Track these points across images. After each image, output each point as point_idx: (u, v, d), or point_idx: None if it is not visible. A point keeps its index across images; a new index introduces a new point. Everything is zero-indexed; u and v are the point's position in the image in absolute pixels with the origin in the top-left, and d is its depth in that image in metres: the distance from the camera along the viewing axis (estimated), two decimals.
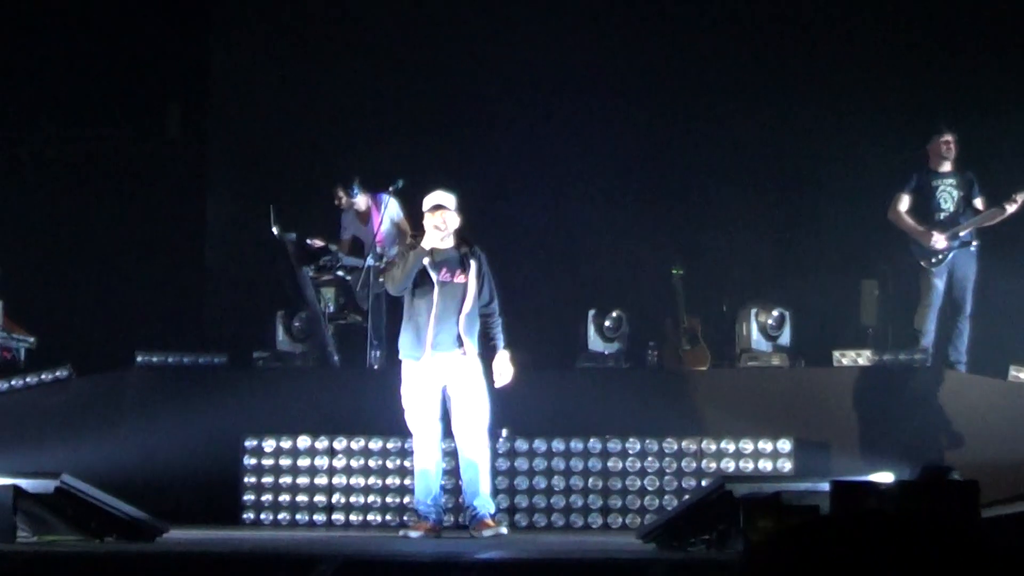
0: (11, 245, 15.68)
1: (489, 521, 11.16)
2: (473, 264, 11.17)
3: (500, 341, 11.31)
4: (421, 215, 11.25)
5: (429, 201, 11.21)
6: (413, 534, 11.02)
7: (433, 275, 11.07)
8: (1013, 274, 14.42)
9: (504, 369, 11.22)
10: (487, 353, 11.27)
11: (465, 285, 11.12)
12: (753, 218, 15.68)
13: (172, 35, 16.95)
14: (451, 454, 11.68)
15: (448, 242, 11.19)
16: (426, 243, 11.13)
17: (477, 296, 11.15)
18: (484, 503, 11.22)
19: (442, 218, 11.13)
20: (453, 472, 11.81)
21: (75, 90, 16.64)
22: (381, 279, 14.10)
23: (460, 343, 11.06)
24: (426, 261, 11.09)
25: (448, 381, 11.11)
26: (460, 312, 11.07)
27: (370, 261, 14.12)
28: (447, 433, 11.25)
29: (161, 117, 17.36)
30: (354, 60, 16.60)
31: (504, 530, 11.35)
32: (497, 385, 11.24)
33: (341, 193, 14.78)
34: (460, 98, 16.31)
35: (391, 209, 14.50)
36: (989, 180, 13.78)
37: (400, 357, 11.22)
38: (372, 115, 16.39)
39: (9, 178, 16.81)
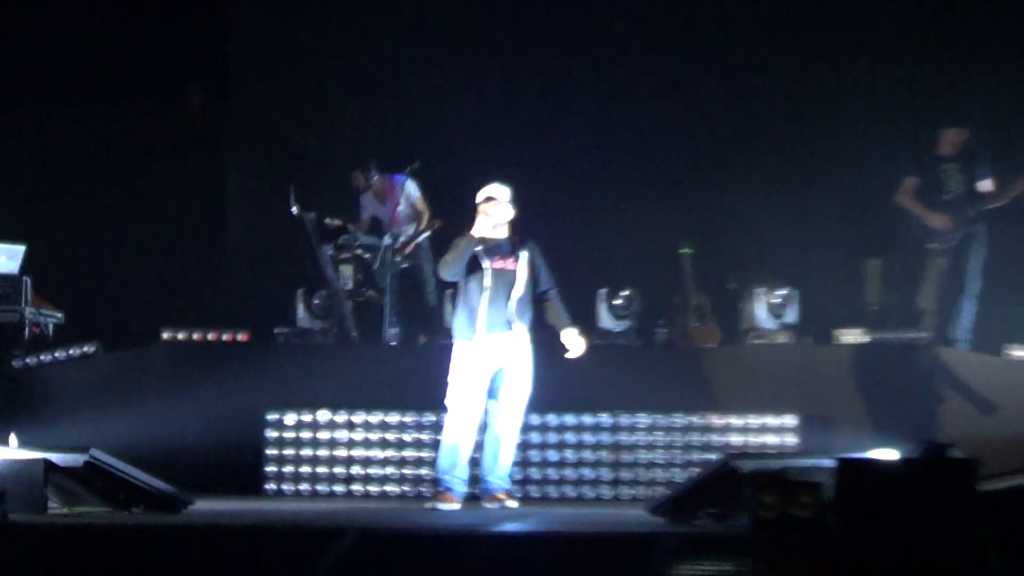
0: (38, 223, 15.74)
1: (501, 495, 11.34)
2: (524, 253, 11.36)
3: (566, 318, 11.50)
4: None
5: (483, 193, 11.38)
6: (442, 506, 11.11)
7: (486, 262, 11.24)
8: (1014, 256, 14.48)
9: (575, 342, 11.40)
10: (544, 336, 11.50)
11: (515, 272, 11.30)
12: (760, 199, 15.67)
13: (192, 14, 16.99)
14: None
15: (502, 232, 11.37)
16: (476, 231, 11.29)
17: (528, 283, 11.33)
18: (501, 478, 11.39)
19: (494, 207, 11.30)
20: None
21: (97, 70, 16.68)
22: (398, 258, 14.22)
23: (510, 326, 11.23)
24: (478, 249, 11.25)
25: (499, 361, 11.24)
26: (510, 297, 11.25)
27: (387, 240, 14.20)
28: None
29: (182, 97, 17.40)
30: (373, 40, 16.59)
31: (515, 504, 11.46)
32: (572, 356, 11.41)
33: (360, 175, 14.85)
34: (474, 80, 16.35)
35: (408, 190, 14.56)
36: (994, 164, 13.82)
37: (454, 338, 11.35)
38: (390, 96, 16.39)
39: (35, 157, 16.88)
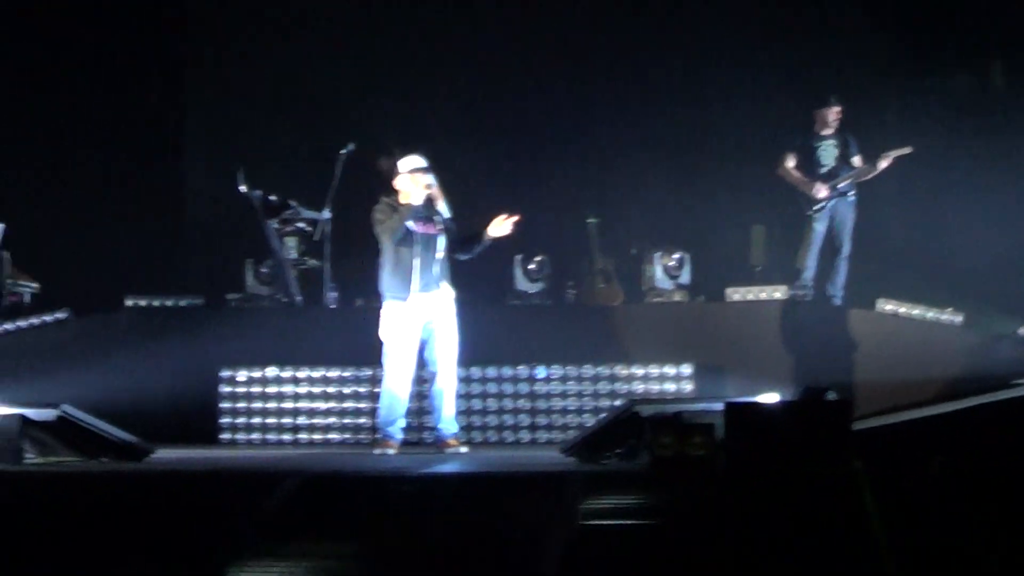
0: (16, 202, 15.59)
1: (451, 440, 11.28)
2: (438, 216, 11.26)
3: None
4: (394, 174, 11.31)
5: (412, 163, 11.26)
6: (390, 451, 11.06)
7: (413, 227, 11.09)
8: (883, 221, 14.59)
9: (501, 225, 11.21)
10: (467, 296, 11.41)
11: (437, 235, 11.19)
12: (658, 173, 15.69)
13: (153, 16, 16.90)
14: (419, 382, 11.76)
15: (421, 198, 11.20)
16: (414, 200, 11.12)
17: (447, 244, 11.21)
18: (449, 424, 11.31)
19: (424, 176, 11.19)
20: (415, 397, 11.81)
21: (68, 67, 16.53)
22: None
23: (438, 285, 11.13)
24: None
25: (429, 318, 11.12)
26: (436, 259, 11.14)
27: (326, 214, 14.10)
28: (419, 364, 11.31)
29: (145, 91, 17.24)
30: (315, 32, 16.44)
31: (465, 449, 11.37)
32: (503, 232, 11.25)
33: (384, 161, 14.69)
34: (408, 66, 16.21)
35: None
36: (866, 141, 13.88)
37: (386, 298, 11.18)
38: (333, 82, 16.25)
39: (13, 144, 16.70)
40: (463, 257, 11.46)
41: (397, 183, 11.31)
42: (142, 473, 9.18)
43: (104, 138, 16.63)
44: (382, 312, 11.22)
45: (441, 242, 11.21)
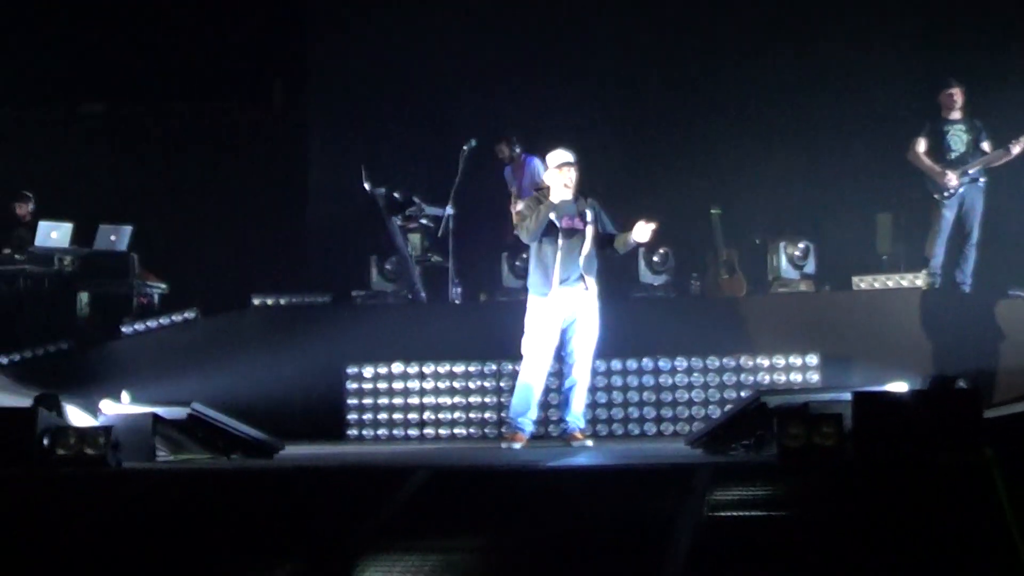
0: (144, 205, 15.86)
1: (578, 434, 11.25)
2: (589, 213, 11.13)
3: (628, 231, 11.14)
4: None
5: (557, 159, 11.14)
6: (516, 445, 11.01)
7: (557, 223, 11.02)
8: (1013, 207, 14.36)
9: (644, 228, 10.96)
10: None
11: (584, 231, 11.09)
12: (781, 162, 15.55)
13: (273, 17, 17.08)
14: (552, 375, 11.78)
15: (568, 193, 11.13)
16: (555, 197, 11.06)
17: (593, 240, 11.11)
18: (577, 419, 11.27)
19: (569, 171, 11.08)
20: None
21: (194, 71, 16.80)
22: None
23: (582, 280, 11.05)
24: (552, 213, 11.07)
25: (571, 313, 11.06)
26: (581, 255, 11.04)
27: (449, 210, 14.13)
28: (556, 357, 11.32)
29: (268, 92, 17.46)
30: (431, 33, 16.52)
31: (591, 442, 11.38)
32: (644, 238, 11.08)
33: (505, 148, 14.76)
34: (532, 64, 16.24)
35: (535, 169, 14.22)
36: (995, 126, 13.68)
37: (529, 293, 11.17)
38: (452, 80, 16.34)
39: (140, 149, 17.00)
40: (612, 255, 11.43)
41: (545, 178, 11.29)
42: (272, 469, 9.29)
43: (228, 139, 16.89)
44: (528, 305, 11.21)
45: (586, 238, 11.13)
